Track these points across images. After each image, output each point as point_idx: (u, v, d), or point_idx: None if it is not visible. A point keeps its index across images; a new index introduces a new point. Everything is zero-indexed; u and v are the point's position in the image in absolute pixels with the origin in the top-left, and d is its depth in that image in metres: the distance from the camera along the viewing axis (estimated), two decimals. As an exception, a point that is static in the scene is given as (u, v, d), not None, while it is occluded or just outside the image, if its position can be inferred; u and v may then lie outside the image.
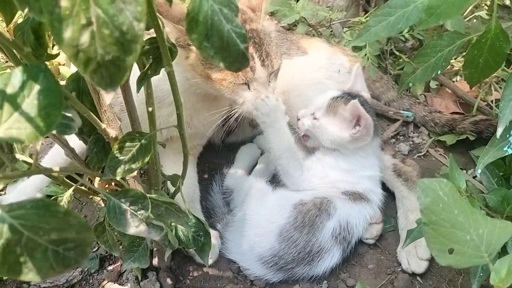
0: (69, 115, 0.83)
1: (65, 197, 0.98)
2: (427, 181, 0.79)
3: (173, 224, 1.11)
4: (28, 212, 0.58)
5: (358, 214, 1.50)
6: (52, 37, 1.23)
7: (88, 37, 0.51)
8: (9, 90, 0.60)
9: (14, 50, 0.77)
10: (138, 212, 0.87)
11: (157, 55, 0.90)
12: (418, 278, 1.50)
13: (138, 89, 0.94)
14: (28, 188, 1.58)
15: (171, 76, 0.91)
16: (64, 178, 1.03)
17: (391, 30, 1.18)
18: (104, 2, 0.51)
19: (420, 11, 1.10)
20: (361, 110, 1.45)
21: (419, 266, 1.49)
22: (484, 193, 1.53)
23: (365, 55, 2.01)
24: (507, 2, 2.16)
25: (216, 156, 1.93)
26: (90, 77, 0.54)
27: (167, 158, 1.71)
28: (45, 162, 1.58)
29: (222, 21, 0.68)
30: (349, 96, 1.57)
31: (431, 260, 1.50)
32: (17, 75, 0.61)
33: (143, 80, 0.94)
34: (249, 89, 1.42)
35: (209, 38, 0.69)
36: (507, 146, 1.12)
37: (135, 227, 0.87)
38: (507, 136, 1.12)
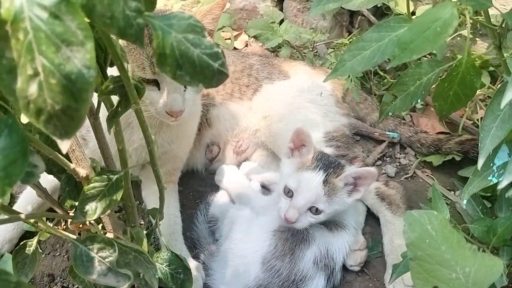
0: (32, 161, 0.81)
1: (34, 242, 0.95)
2: (416, 214, 0.76)
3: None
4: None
5: (336, 242, 1.48)
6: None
7: (36, 88, 0.50)
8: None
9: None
10: (106, 260, 0.84)
11: (124, 93, 0.89)
12: (407, 305, 1.46)
13: (109, 128, 0.92)
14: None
15: (138, 114, 0.89)
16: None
17: (367, 64, 1.16)
18: (49, 52, 0.49)
19: (395, 44, 1.08)
20: (359, 172, 1.41)
21: (406, 293, 1.46)
22: (471, 216, 1.51)
23: (348, 76, 2.00)
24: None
25: (200, 183, 1.90)
26: (44, 128, 0.52)
27: (148, 189, 1.69)
28: (22, 199, 1.56)
29: (190, 48, 0.66)
30: (325, 163, 1.45)
31: None
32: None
33: (114, 118, 0.92)
34: (159, 89, 1.36)
35: (181, 67, 0.67)
36: (491, 175, 1.10)
37: (103, 275, 0.84)
38: (491, 165, 1.10)
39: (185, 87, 1.37)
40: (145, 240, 1.14)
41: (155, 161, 1.02)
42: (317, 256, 1.41)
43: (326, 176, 1.39)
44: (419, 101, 1.29)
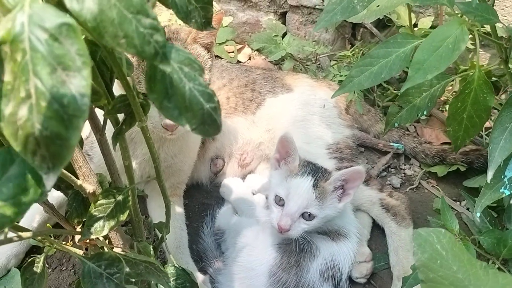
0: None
1: (42, 259, 0.95)
2: (424, 233, 0.74)
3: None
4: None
5: (341, 251, 1.47)
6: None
7: (26, 111, 0.48)
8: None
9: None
10: (114, 276, 0.85)
11: (130, 111, 0.90)
12: (414, 318, 1.46)
13: (114, 145, 0.93)
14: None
15: (144, 131, 0.90)
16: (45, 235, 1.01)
17: (374, 80, 1.16)
18: (44, 72, 0.48)
19: (402, 60, 1.08)
20: (347, 172, 1.40)
21: (414, 305, 1.46)
22: (478, 227, 1.51)
23: (352, 88, 2.01)
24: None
25: (206, 196, 1.91)
26: (30, 159, 0.49)
27: (154, 202, 1.70)
28: (27, 213, 1.56)
29: (183, 79, 0.65)
30: (312, 169, 1.45)
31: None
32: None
33: (119, 135, 0.93)
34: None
35: (169, 98, 0.66)
36: (503, 187, 1.10)
37: (111, 291, 0.85)
38: (502, 177, 1.10)
39: None
40: (152, 254, 1.15)
41: (161, 176, 1.03)
42: (323, 267, 1.41)
43: (315, 180, 1.39)
44: (425, 113, 1.29)
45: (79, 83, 0.49)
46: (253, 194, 1.81)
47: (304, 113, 1.87)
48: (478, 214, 1.18)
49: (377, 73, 1.14)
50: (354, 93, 1.99)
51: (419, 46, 1.09)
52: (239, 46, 2.58)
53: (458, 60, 2.20)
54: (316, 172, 1.42)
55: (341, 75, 2.15)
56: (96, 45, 0.74)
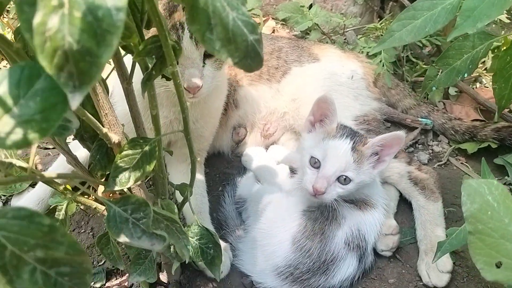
0: (66, 115, 0.78)
1: (65, 206, 0.92)
2: (474, 183, 0.70)
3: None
4: (10, 222, 0.52)
5: (367, 221, 1.42)
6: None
7: (57, 21, 0.44)
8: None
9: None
10: (140, 222, 0.81)
11: (161, 54, 0.86)
12: (442, 293, 1.41)
13: (143, 92, 0.89)
14: (31, 199, 1.54)
15: (175, 76, 0.86)
16: (66, 187, 0.97)
17: (417, 34, 1.08)
18: None
19: (449, 12, 1.00)
20: (386, 137, 1.34)
21: (440, 280, 1.41)
22: None
23: (380, 61, 1.95)
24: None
25: (227, 166, 1.87)
26: (56, 75, 0.46)
27: (173, 168, 1.66)
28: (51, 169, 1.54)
29: (226, 8, 0.60)
30: (350, 132, 1.39)
31: (457, 274, 1.42)
32: (15, 72, 0.54)
33: (148, 81, 0.89)
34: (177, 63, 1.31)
35: (212, 28, 0.61)
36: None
37: (137, 238, 0.81)
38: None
39: (204, 62, 1.32)
40: (176, 213, 1.11)
41: (188, 129, 0.99)
42: (348, 236, 1.37)
43: (353, 143, 1.33)
44: (465, 75, 1.21)
45: (116, -4, 0.44)
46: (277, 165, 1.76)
47: (332, 83, 1.80)
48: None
49: (421, 27, 1.07)
50: (383, 65, 1.93)
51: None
52: (263, 18, 2.52)
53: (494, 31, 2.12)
54: (354, 135, 1.36)
55: (369, 47, 2.08)
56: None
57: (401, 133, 1.31)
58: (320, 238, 1.35)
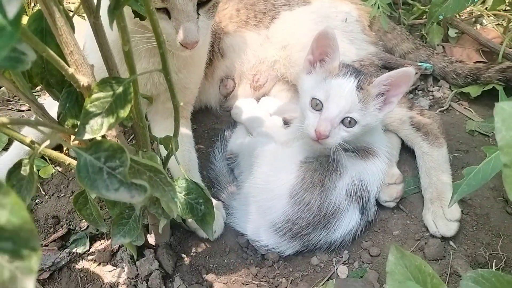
0: (19, 48, 0.65)
1: (31, 160, 0.79)
2: (507, 107, 0.58)
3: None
4: None
5: (370, 170, 1.32)
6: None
7: None
8: None
9: None
10: (116, 171, 0.69)
11: (130, -25, 0.72)
12: (451, 242, 1.32)
13: (111, 22, 0.76)
14: (6, 159, 1.41)
15: (150, 10, 0.73)
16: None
17: None
18: None
19: None
20: (394, 74, 1.21)
21: (449, 229, 1.32)
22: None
23: (375, 3, 1.81)
24: None
25: (215, 121, 1.75)
26: None
27: (157, 126, 1.53)
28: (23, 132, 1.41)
29: None
30: (354, 70, 1.27)
31: (466, 223, 1.34)
32: None
33: (116, 9, 0.76)
34: (170, 18, 1.16)
35: None
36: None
37: (114, 190, 0.68)
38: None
39: (198, 14, 1.18)
40: (159, 164, 0.99)
41: (167, 68, 0.86)
42: (350, 187, 1.27)
43: (358, 82, 1.21)
44: (476, 0, 1.08)
45: None
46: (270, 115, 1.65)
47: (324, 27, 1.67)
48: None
49: None
50: (378, 7, 1.79)
51: None
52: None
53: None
54: (358, 73, 1.24)
55: (363, -12, 1.94)
56: None
57: (410, 69, 1.19)
58: (320, 190, 1.25)
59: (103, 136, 0.95)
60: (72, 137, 0.88)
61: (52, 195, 1.45)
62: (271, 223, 1.27)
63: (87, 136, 0.77)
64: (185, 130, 1.52)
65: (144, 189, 0.69)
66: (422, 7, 1.96)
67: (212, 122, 1.74)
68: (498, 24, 2.00)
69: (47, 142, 0.79)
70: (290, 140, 1.42)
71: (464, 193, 0.99)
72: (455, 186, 1.03)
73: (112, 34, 0.80)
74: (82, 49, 1.40)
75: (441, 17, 1.17)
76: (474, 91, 1.72)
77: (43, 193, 1.45)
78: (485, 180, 0.94)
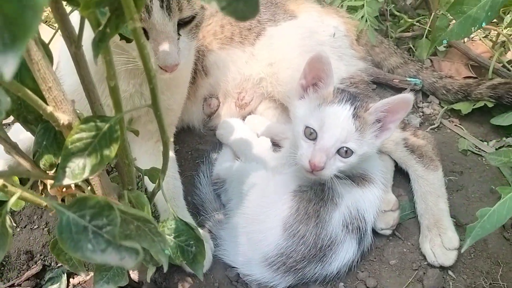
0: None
1: (5, 211, 0.70)
2: None
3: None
4: None
5: (366, 198, 1.25)
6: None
7: None
8: None
9: None
10: (103, 230, 0.60)
11: (116, 6, 0.64)
12: (449, 272, 1.27)
13: (95, 56, 0.67)
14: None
15: (137, 34, 0.64)
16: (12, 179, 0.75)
17: None
18: None
19: None
20: (392, 101, 1.16)
21: (448, 258, 1.27)
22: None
23: (363, 16, 1.75)
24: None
25: (199, 141, 1.66)
26: None
27: (137, 148, 1.43)
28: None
29: None
30: (350, 96, 1.21)
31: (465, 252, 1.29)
32: None
33: (101, 42, 0.67)
34: (148, 39, 1.07)
35: None
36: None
37: (100, 251, 0.60)
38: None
39: (179, 34, 1.10)
40: (147, 207, 0.90)
41: (158, 103, 0.78)
42: (346, 217, 1.20)
43: (354, 109, 1.14)
44: (483, 24, 1.03)
45: None
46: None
47: (312, 42, 1.60)
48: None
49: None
50: (366, 21, 1.73)
51: None
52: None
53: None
54: (354, 100, 1.17)
55: (349, 0, 1.87)
56: None
57: (408, 95, 1.13)
58: (315, 221, 1.18)
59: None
60: (50, 182, 0.79)
61: (25, 227, 1.35)
62: (264, 256, 1.19)
63: (67, 182, 0.68)
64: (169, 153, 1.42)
65: (135, 252, 0.61)
66: (409, 20, 1.91)
67: (195, 142, 1.65)
68: (486, 37, 1.98)
69: (18, 194, 0.69)
70: (281, 165, 1.34)
71: (478, 237, 0.93)
72: (469, 229, 0.96)
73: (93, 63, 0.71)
74: (55, 68, 1.31)
75: (445, 42, 1.11)
76: (465, 108, 1.68)
77: (15, 225, 1.35)
78: (501, 222, 0.88)
